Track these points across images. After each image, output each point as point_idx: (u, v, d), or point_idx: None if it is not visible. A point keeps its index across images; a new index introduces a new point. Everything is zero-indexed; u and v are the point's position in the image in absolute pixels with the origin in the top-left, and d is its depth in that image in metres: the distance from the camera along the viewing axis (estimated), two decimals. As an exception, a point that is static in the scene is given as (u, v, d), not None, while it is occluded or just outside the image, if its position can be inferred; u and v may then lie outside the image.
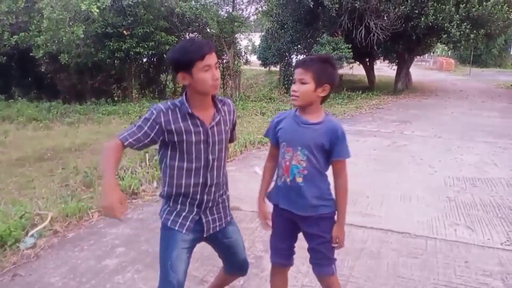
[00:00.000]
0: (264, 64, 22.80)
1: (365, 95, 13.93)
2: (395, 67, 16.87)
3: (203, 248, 2.81)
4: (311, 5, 12.77)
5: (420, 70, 25.93)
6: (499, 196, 4.46)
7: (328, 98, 2.00)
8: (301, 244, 2.09)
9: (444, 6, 12.56)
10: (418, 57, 23.34)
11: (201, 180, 1.86)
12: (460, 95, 14.93)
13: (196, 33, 15.57)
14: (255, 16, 18.47)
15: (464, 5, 12.60)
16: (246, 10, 16.98)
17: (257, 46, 23.63)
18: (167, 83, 17.23)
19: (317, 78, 1.87)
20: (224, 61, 15.53)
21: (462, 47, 15.46)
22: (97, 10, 11.23)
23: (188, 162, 1.84)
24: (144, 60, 16.05)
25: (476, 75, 23.82)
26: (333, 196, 1.98)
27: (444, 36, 13.29)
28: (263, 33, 21.58)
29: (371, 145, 6.75)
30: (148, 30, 13.59)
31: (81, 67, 14.19)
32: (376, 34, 12.84)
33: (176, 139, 1.80)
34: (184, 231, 1.88)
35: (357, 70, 19.63)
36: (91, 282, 2.72)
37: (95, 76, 15.52)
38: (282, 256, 2.10)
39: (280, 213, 2.02)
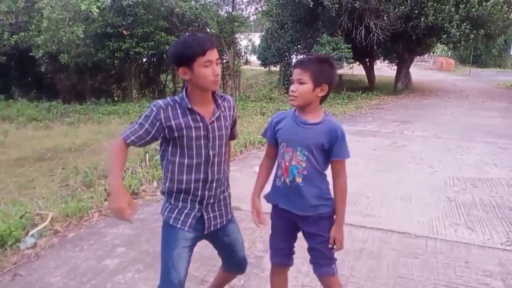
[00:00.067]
0: (264, 64, 22.79)
1: (365, 95, 13.94)
2: (395, 67, 16.88)
3: (203, 248, 2.82)
4: (311, 5, 12.77)
5: (420, 70, 25.94)
6: (499, 196, 4.46)
7: (327, 98, 2.00)
8: (301, 244, 2.09)
9: (444, 6, 12.57)
10: (418, 57, 23.34)
11: (202, 176, 1.87)
12: (460, 95, 14.93)
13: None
14: (255, 16, 18.50)
15: (464, 5, 12.61)
16: (246, 10, 17.02)
17: (257, 46, 23.63)
18: (167, 83, 17.23)
19: (315, 78, 1.87)
20: (224, 61, 15.52)
21: (462, 47, 15.47)
22: (97, 10, 11.23)
23: (189, 157, 1.84)
24: (144, 60, 16.06)
25: (476, 75, 23.84)
26: (332, 195, 1.98)
27: (444, 36, 13.29)
28: (263, 33, 21.57)
29: (371, 145, 6.75)
30: (148, 30, 13.59)
31: (81, 67, 14.19)
32: (376, 34, 12.85)
33: (176, 135, 1.81)
34: (186, 228, 1.88)
35: (357, 70, 19.65)
36: (92, 282, 2.72)
37: (95, 76, 15.51)
38: (282, 256, 2.10)
39: (280, 213, 2.02)
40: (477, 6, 12.50)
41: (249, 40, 21.20)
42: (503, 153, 6.45)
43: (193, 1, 14.61)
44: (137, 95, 16.09)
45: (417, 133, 7.88)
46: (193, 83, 1.80)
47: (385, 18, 12.84)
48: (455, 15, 12.52)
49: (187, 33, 15.58)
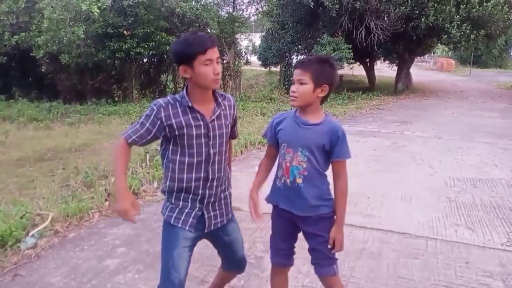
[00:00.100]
0: (265, 64, 22.79)
1: (365, 95, 13.93)
2: (396, 68, 16.87)
3: (204, 249, 2.82)
4: (312, 6, 12.77)
5: (421, 71, 25.93)
6: (500, 196, 4.46)
7: (328, 98, 2.00)
8: (301, 244, 2.09)
9: (444, 7, 12.57)
10: (418, 57, 23.34)
11: (202, 175, 1.87)
12: (460, 95, 14.93)
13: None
14: (256, 17, 18.48)
15: (464, 5, 12.60)
16: (247, 10, 17.02)
17: (258, 47, 23.64)
18: (168, 83, 17.24)
19: (316, 78, 1.87)
20: (225, 61, 15.52)
21: (462, 48, 15.44)
22: (98, 11, 11.23)
23: (189, 156, 1.85)
24: (145, 60, 16.05)
25: (476, 76, 23.82)
26: (333, 196, 1.98)
27: (445, 36, 13.29)
28: (263, 34, 21.57)
29: (372, 146, 6.75)
30: (148, 31, 13.59)
31: (81, 67, 14.20)
32: (376, 34, 12.84)
33: (177, 133, 1.81)
34: (187, 227, 1.89)
35: (358, 71, 19.64)
36: (92, 282, 2.72)
37: (95, 76, 15.52)
38: (282, 256, 2.10)
39: (280, 213, 2.02)
40: (477, 7, 12.50)
41: (249, 41, 21.24)
42: (504, 153, 6.45)
43: (193, 2, 14.61)
44: (137, 96, 16.09)
45: (418, 133, 7.88)
46: (194, 81, 1.81)
47: (385, 18, 12.83)
48: (456, 16, 12.52)
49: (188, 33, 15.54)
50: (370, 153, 6.25)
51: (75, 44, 12.54)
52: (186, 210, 1.90)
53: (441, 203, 4.23)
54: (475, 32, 12.87)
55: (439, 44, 18.68)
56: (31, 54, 13.05)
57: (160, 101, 1.84)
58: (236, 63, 16.22)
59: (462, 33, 12.70)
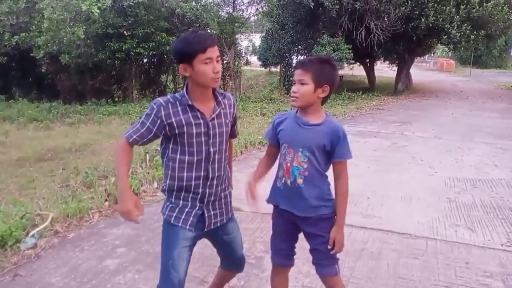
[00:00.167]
0: (265, 64, 22.78)
1: (365, 95, 13.94)
2: (396, 68, 16.87)
3: (204, 249, 2.82)
4: (312, 6, 12.77)
5: (421, 71, 25.93)
6: (500, 197, 4.46)
7: (329, 99, 2.00)
8: (301, 245, 2.10)
9: (444, 7, 12.57)
10: (418, 58, 23.34)
11: (202, 173, 1.87)
12: (460, 96, 14.93)
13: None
14: (256, 17, 18.47)
15: (464, 6, 12.61)
16: (247, 10, 17.01)
17: (258, 47, 23.63)
18: (168, 83, 17.23)
19: (317, 79, 1.87)
20: (225, 61, 15.51)
21: (462, 48, 15.45)
22: (98, 11, 11.23)
23: (189, 155, 1.85)
24: (145, 60, 16.05)
25: (476, 76, 23.82)
26: (333, 196, 1.98)
27: (445, 37, 13.29)
28: (263, 34, 21.55)
29: (372, 146, 6.75)
30: (148, 31, 13.59)
31: (81, 68, 14.19)
32: (376, 35, 12.84)
33: (177, 132, 1.82)
34: (187, 226, 1.89)
35: (358, 71, 19.63)
36: (92, 283, 2.72)
37: (95, 76, 15.51)
38: (283, 256, 2.10)
39: (281, 213, 2.02)
40: (477, 7, 12.50)
41: (249, 41, 21.24)
42: (504, 154, 6.45)
43: (193, 2, 14.60)
44: (137, 96, 16.09)
45: (418, 134, 7.88)
46: (193, 79, 1.82)
47: (385, 19, 12.83)
48: (456, 16, 12.52)
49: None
50: (370, 153, 6.25)
51: (75, 45, 12.54)
52: (186, 209, 1.90)
53: (441, 204, 4.23)
54: (475, 32, 12.87)
55: (439, 45, 18.68)
56: (31, 55, 13.04)
57: (160, 100, 1.84)
58: (236, 63, 16.21)
59: (462, 33, 12.70)
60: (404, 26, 12.81)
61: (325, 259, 2.00)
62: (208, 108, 1.87)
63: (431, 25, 12.65)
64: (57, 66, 14.04)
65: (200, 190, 1.89)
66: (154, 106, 1.81)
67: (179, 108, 1.82)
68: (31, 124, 11.08)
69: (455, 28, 12.54)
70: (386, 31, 12.78)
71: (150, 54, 14.58)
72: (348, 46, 13.35)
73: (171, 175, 1.88)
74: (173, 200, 1.91)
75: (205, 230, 1.95)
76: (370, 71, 17.61)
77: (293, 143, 1.93)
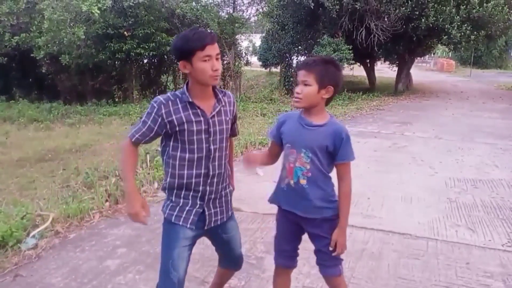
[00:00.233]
0: (265, 65, 22.79)
1: (365, 96, 13.93)
2: (396, 68, 16.87)
3: (204, 250, 2.83)
4: (312, 6, 12.77)
5: (421, 71, 25.93)
6: (500, 197, 4.46)
7: (333, 99, 2.00)
8: (302, 245, 2.10)
9: (444, 8, 12.56)
10: (418, 58, 23.30)
11: (203, 171, 1.88)
12: (460, 96, 14.93)
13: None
14: (256, 17, 18.46)
15: (464, 6, 12.60)
16: (247, 11, 16.99)
17: (258, 47, 23.62)
18: (168, 84, 17.23)
19: (320, 79, 1.86)
20: (225, 62, 15.51)
21: (462, 48, 15.43)
22: (98, 11, 11.22)
23: (190, 152, 1.85)
24: (145, 61, 16.04)
25: (476, 76, 23.82)
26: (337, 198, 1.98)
27: (445, 37, 13.28)
28: (263, 34, 21.55)
29: (372, 146, 6.75)
30: (149, 31, 13.58)
31: (82, 68, 14.19)
32: (376, 35, 12.84)
33: (177, 129, 1.82)
34: (188, 225, 1.89)
35: (358, 71, 19.63)
36: (92, 283, 2.72)
37: (95, 77, 15.51)
38: (286, 257, 2.10)
39: (285, 214, 2.02)
40: (477, 7, 12.49)
41: (249, 41, 21.19)
42: (504, 154, 6.45)
43: (194, 2, 14.60)
44: (138, 96, 16.08)
45: (418, 134, 7.88)
46: (193, 77, 1.83)
47: (385, 19, 12.83)
48: (456, 16, 12.51)
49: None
50: (370, 153, 6.25)
51: (76, 45, 12.53)
52: (187, 208, 1.90)
53: (442, 204, 4.23)
54: (475, 32, 12.86)
55: (439, 45, 18.67)
56: (32, 55, 13.04)
57: (160, 98, 1.85)
58: (237, 63, 16.21)
59: (462, 33, 12.69)
60: (404, 26, 12.81)
61: (329, 260, 2.00)
62: (209, 106, 1.87)
63: (431, 25, 12.64)
64: (58, 66, 14.04)
65: (200, 188, 1.89)
66: (155, 105, 1.82)
67: (180, 106, 1.83)
68: (31, 124, 11.08)
69: (455, 28, 12.54)
70: (386, 32, 12.78)
71: (151, 54, 14.58)
72: (348, 46, 13.35)
73: (171, 172, 1.89)
74: (173, 199, 1.91)
75: (205, 228, 1.95)
76: (370, 71, 17.60)
77: (296, 144, 1.93)
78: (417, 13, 12.61)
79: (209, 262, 2.88)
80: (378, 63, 19.67)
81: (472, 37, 12.88)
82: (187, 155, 1.85)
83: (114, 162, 5.76)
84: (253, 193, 4.18)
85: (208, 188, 1.90)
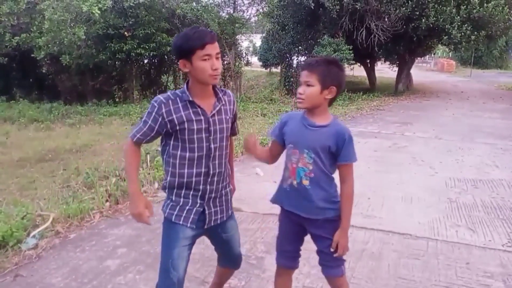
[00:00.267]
0: (265, 65, 22.79)
1: (366, 96, 13.92)
2: (396, 69, 16.87)
3: (204, 250, 2.83)
4: (312, 7, 12.78)
5: (421, 72, 25.92)
6: (500, 197, 4.46)
7: (335, 100, 1.99)
8: (302, 245, 2.10)
9: (445, 8, 12.56)
10: (419, 58, 23.29)
11: (203, 170, 1.88)
12: (461, 96, 14.93)
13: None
14: (256, 18, 18.46)
15: (465, 6, 12.60)
16: (247, 11, 16.99)
17: (258, 48, 23.64)
18: (168, 84, 17.24)
19: (323, 80, 1.85)
20: (225, 62, 15.51)
21: (463, 49, 15.43)
22: (98, 12, 11.23)
23: (190, 151, 1.85)
24: (145, 61, 16.05)
25: (477, 77, 23.80)
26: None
27: (445, 37, 13.28)
28: (264, 35, 21.56)
29: (372, 147, 6.75)
30: (149, 32, 13.59)
31: (82, 68, 14.20)
32: (377, 35, 12.83)
33: (178, 128, 1.83)
34: (188, 224, 1.89)
35: (358, 71, 19.63)
36: (93, 283, 2.73)
37: (96, 77, 15.52)
38: (288, 258, 2.10)
39: (287, 215, 2.02)
40: (478, 8, 12.49)
41: (250, 42, 21.21)
42: (504, 154, 6.44)
43: (194, 3, 14.61)
44: (138, 96, 16.08)
45: (418, 134, 7.87)
46: (193, 76, 1.83)
47: (386, 19, 12.82)
48: (456, 17, 12.51)
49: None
50: (370, 154, 6.25)
51: (76, 45, 12.54)
52: (187, 207, 1.90)
53: (442, 204, 4.23)
54: (475, 33, 12.86)
55: (439, 45, 18.66)
56: (32, 55, 13.05)
57: (160, 97, 1.86)
58: (237, 64, 16.21)
59: (462, 34, 12.69)
60: (404, 26, 12.80)
61: (332, 261, 2.00)
62: (209, 105, 1.87)
63: (431, 25, 12.64)
64: (58, 67, 14.05)
65: (200, 186, 1.89)
66: (155, 104, 1.82)
67: (180, 105, 1.83)
68: (31, 124, 11.09)
69: (456, 28, 12.54)
70: (387, 32, 12.78)
71: (151, 54, 14.59)
72: (348, 46, 13.35)
73: (171, 171, 1.89)
74: (173, 198, 1.92)
75: (205, 227, 1.95)
76: (370, 71, 17.60)
77: (298, 144, 1.92)
78: (418, 13, 12.60)
79: (209, 262, 2.88)
80: (379, 63, 19.66)
81: (473, 37, 12.88)
82: (187, 154, 1.85)
83: (115, 162, 5.76)
84: (253, 193, 4.18)
85: (208, 187, 1.90)
